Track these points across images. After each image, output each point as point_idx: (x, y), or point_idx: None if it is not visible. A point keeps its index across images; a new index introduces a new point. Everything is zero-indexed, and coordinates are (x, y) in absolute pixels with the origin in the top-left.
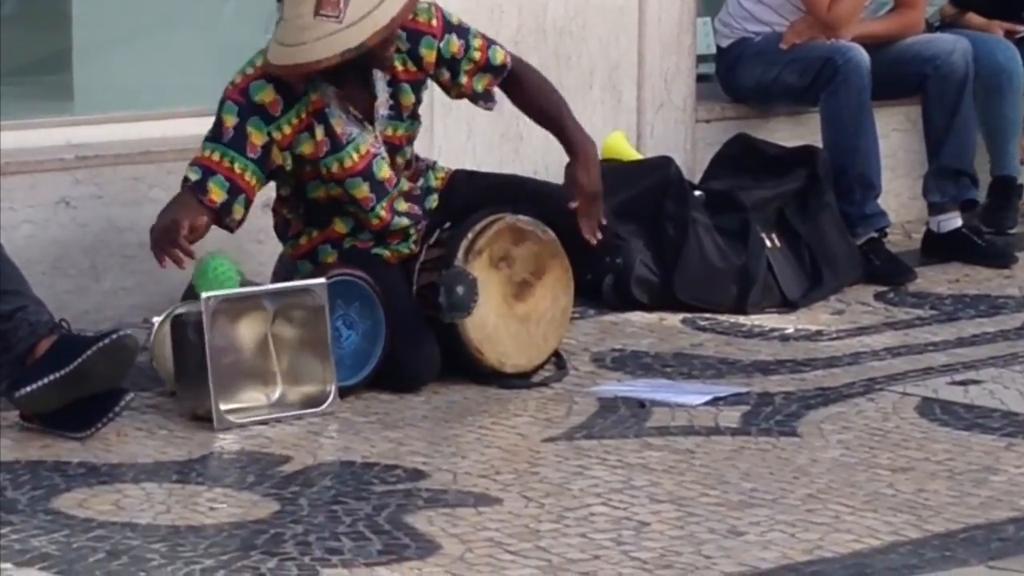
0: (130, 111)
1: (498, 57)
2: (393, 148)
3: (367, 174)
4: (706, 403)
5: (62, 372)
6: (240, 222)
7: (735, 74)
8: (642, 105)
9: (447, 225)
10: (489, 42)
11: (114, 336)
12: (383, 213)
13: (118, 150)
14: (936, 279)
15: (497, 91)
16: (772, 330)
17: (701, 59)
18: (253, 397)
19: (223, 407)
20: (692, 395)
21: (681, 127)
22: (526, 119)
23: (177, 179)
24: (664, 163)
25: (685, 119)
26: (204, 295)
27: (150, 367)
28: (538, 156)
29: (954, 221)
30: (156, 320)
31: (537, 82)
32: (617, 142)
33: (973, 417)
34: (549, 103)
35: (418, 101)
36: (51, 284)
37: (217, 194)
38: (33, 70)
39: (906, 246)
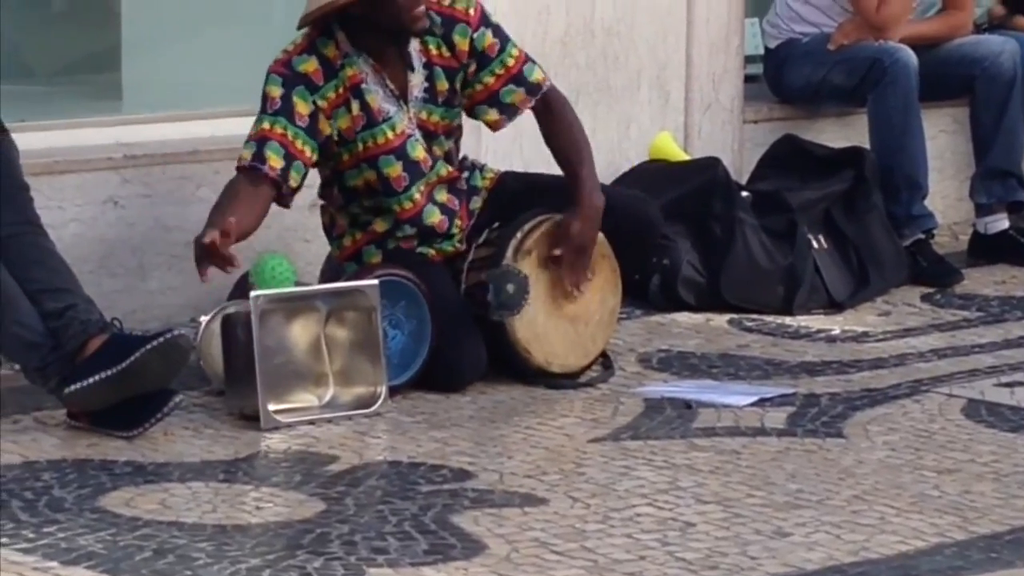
0: (179, 110)
1: (535, 74)
2: (428, 134)
3: (400, 152)
4: (752, 404)
5: (113, 370)
6: (295, 191)
7: (783, 75)
8: (690, 105)
9: (496, 225)
10: (528, 58)
11: (167, 336)
12: (417, 195)
13: (166, 149)
14: (983, 280)
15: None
16: (818, 331)
17: (749, 60)
18: (304, 398)
19: (273, 407)
20: (738, 396)
21: (728, 128)
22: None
23: (225, 178)
24: (711, 164)
25: (732, 120)
26: (253, 294)
27: (198, 366)
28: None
29: (1001, 222)
30: (204, 319)
31: (570, 118)
32: (664, 142)
33: (1019, 419)
34: (575, 144)
35: (452, 90)
36: (98, 283)
37: (275, 160)
38: (82, 69)
39: (953, 247)
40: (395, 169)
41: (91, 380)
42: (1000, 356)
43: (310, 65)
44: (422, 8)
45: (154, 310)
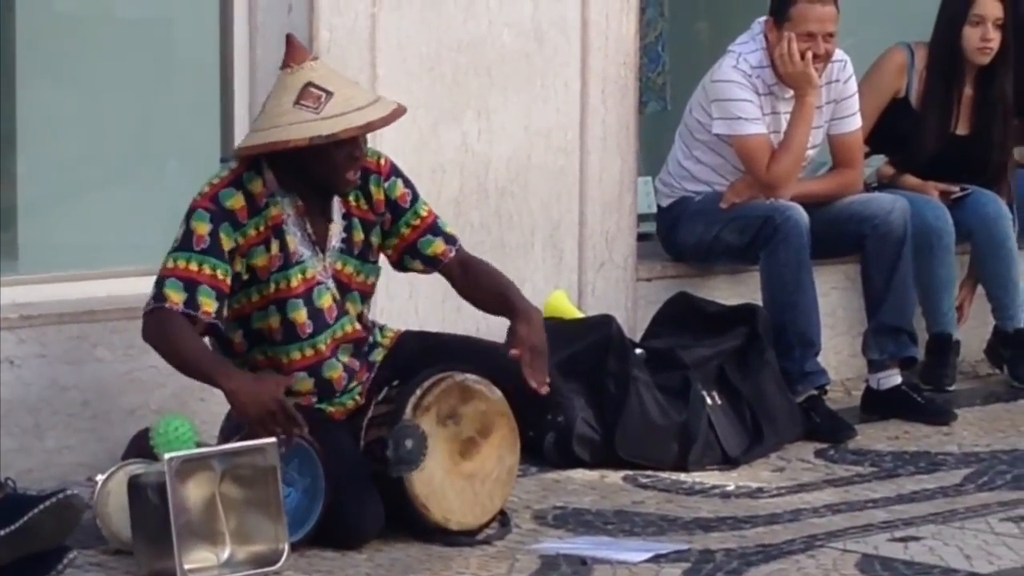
0: (75, 270)
1: (447, 228)
2: (342, 287)
3: (307, 298)
4: (647, 560)
5: (8, 530)
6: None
7: (675, 233)
8: (583, 264)
9: (395, 383)
10: (437, 216)
11: (60, 495)
12: (322, 346)
13: (63, 309)
14: (876, 436)
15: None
16: (713, 487)
17: (642, 218)
18: (204, 557)
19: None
20: (633, 552)
21: (622, 285)
22: None
23: (122, 338)
24: (605, 321)
25: (626, 278)
26: (167, 456)
27: (93, 525)
28: (480, 315)
29: (894, 378)
30: (100, 478)
31: (486, 264)
32: (559, 301)
33: (913, 574)
34: (499, 279)
35: (367, 243)
36: None
37: (209, 305)
38: None
39: (846, 403)
40: (301, 315)
41: None
42: (893, 511)
43: (237, 201)
44: (356, 173)
45: (50, 469)
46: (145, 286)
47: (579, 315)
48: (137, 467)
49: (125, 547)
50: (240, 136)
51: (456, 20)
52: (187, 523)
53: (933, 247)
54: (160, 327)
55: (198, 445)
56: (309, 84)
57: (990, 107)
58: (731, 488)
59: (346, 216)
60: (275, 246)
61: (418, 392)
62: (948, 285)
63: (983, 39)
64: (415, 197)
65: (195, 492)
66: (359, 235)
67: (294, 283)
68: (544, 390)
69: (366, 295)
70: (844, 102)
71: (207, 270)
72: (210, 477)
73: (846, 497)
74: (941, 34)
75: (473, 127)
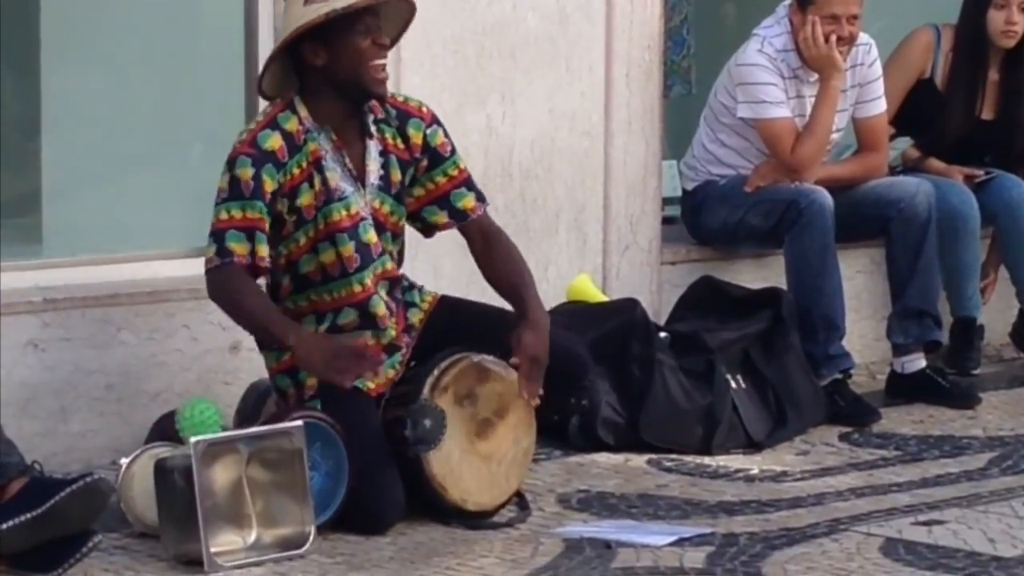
0: (99, 254)
1: (477, 188)
2: (379, 225)
3: (353, 232)
4: (671, 544)
5: (34, 513)
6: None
7: (700, 217)
8: (608, 247)
9: (412, 363)
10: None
11: (87, 479)
12: (368, 281)
13: (86, 292)
14: (900, 420)
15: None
16: (737, 471)
17: (667, 202)
18: (230, 540)
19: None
20: (657, 536)
21: (647, 269)
22: None
23: (146, 321)
24: (630, 305)
25: (651, 261)
26: (193, 439)
27: (118, 508)
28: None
29: (918, 362)
30: (124, 461)
31: (510, 244)
32: (583, 284)
33: (937, 557)
34: (517, 268)
35: (402, 183)
36: (19, 426)
37: (264, 250)
38: (2, 212)
39: (870, 387)
40: (348, 248)
41: (10, 523)
42: (917, 495)
43: (275, 141)
44: (383, 63)
45: (75, 453)
46: (169, 269)
47: (603, 299)
48: (162, 450)
49: (149, 530)
50: None
51: (481, 2)
52: (213, 506)
53: (958, 231)
54: (229, 284)
55: (223, 428)
56: None
57: (1015, 91)
58: (755, 472)
59: (383, 153)
60: (317, 181)
61: (435, 372)
62: (973, 269)
63: (1008, 22)
64: (454, 149)
65: (221, 475)
66: (396, 174)
67: (337, 217)
68: (534, 404)
69: (397, 235)
70: (869, 85)
71: (258, 215)
72: (236, 460)
73: (870, 481)
74: (967, 17)
75: (498, 110)
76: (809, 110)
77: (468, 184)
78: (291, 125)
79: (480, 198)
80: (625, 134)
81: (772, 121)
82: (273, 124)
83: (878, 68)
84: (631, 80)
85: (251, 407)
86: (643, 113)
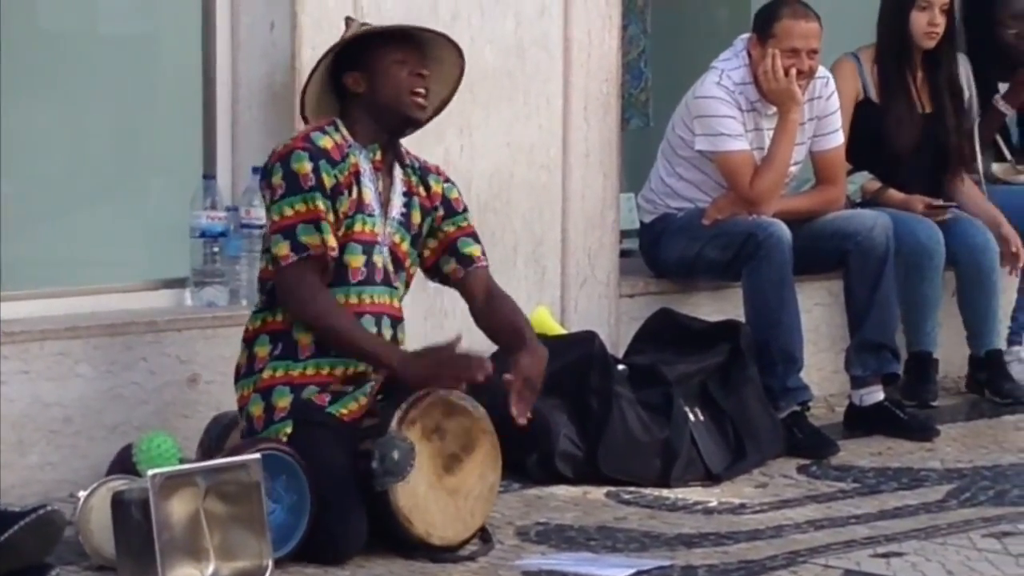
0: (57, 287)
1: (482, 243)
2: (397, 262)
3: (367, 248)
4: None
5: None
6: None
7: (658, 249)
8: (566, 280)
9: (379, 396)
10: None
11: (40, 511)
12: (365, 298)
13: (44, 325)
14: (859, 452)
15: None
16: (695, 503)
17: (624, 234)
18: (188, 573)
19: None
20: (615, 568)
21: (605, 302)
22: (450, 294)
23: (105, 354)
24: (588, 338)
25: (608, 294)
26: (150, 472)
27: (76, 541)
28: (463, 331)
29: (876, 395)
30: (82, 494)
31: (510, 298)
32: (541, 317)
33: None
34: (516, 311)
35: (420, 229)
36: None
37: (332, 241)
38: None
39: (829, 419)
40: (358, 260)
41: None
42: (876, 527)
43: (328, 141)
44: (422, 91)
45: (33, 486)
46: (128, 302)
47: (562, 331)
48: (119, 483)
49: (107, 563)
50: (222, 154)
51: None
52: (171, 539)
53: (923, 267)
54: (316, 301)
55: (181, 461)
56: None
57: (939, 88)
58: (713, 504)
59: (406, 194)
60: (355, 191)
61: (403, 406)
62: (933, 305)
63: (930, 23)
64: (466, 208)
65: (179, 508)
66: (417, 216)
67: (359, 228)
68: (523, 421)
69: (408, 278)
70: (827, 119)
71: (322, 206)
72: (194, 493)
73: (828, 513)
74: (889, 19)
75: (455, 143)
76: (767, 143)
77: (475, 237)
78: (337, 137)
79: (483, 251)
80: (583, 167)
81: (730, 154)
82: (321, 131)
83: (835, 101)
84: (589, 113)
85: (214, 440)
86: (601, 146)
